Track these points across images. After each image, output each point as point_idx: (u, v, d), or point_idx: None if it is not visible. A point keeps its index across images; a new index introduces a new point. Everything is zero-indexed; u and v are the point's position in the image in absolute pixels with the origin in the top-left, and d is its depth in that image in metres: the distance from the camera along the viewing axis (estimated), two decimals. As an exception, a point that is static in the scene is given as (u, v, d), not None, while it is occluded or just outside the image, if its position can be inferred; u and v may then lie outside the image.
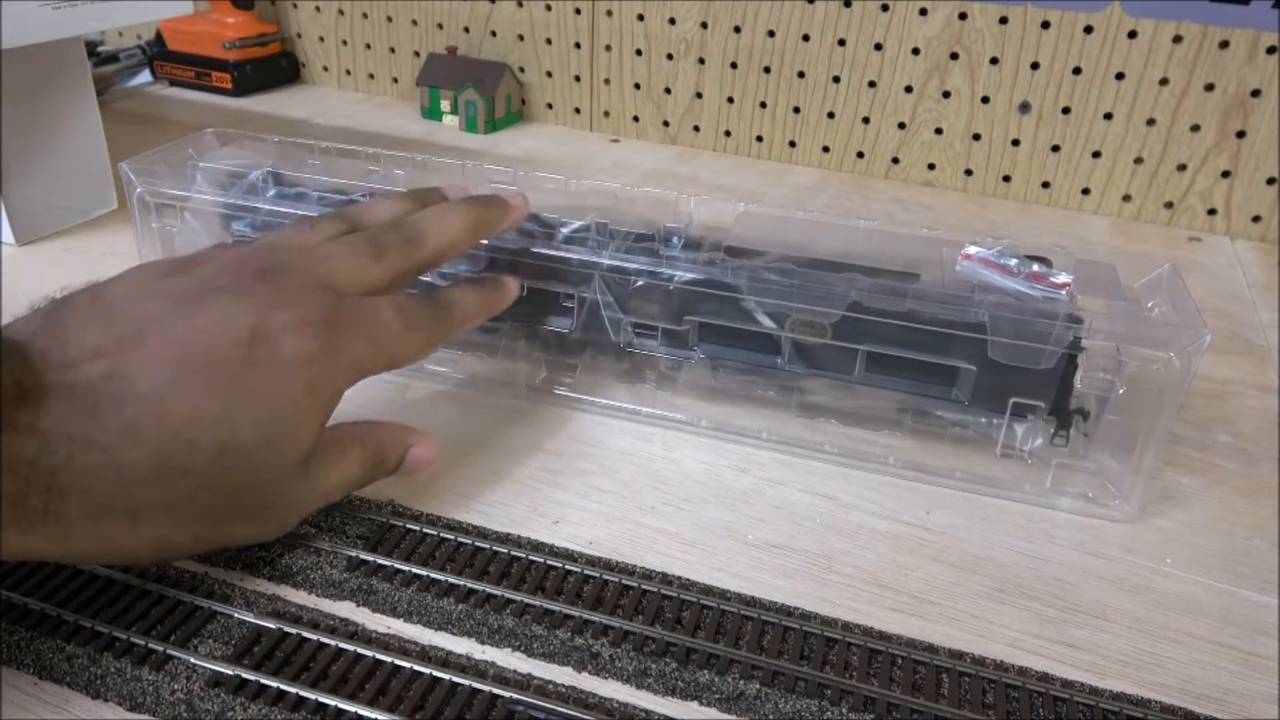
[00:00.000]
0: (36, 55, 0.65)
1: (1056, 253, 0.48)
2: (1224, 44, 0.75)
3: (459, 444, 0.49)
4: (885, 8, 0.84)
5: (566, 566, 0.41)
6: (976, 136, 0.86)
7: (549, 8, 0.97)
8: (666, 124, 0.97)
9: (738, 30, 0.90)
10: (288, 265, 0.34)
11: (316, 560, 0.41)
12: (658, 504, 0.45)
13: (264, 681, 0.35)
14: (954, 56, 0.83)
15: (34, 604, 0.37)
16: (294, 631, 0.37)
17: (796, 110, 0.91)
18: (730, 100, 0.94)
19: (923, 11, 0.82)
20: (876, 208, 0.84)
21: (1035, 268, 0.46)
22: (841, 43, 0.87)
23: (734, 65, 0.92)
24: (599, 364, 0.53)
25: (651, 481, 0.47)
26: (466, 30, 1.02)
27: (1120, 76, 0.79)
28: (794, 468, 0.49)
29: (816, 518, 0.45)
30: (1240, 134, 0.77)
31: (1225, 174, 0.79)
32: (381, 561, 0.40)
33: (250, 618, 0.37)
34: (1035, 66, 0.81)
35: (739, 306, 0.47)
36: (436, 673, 0.35)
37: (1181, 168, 0.80)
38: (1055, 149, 0.84)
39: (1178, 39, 0.76)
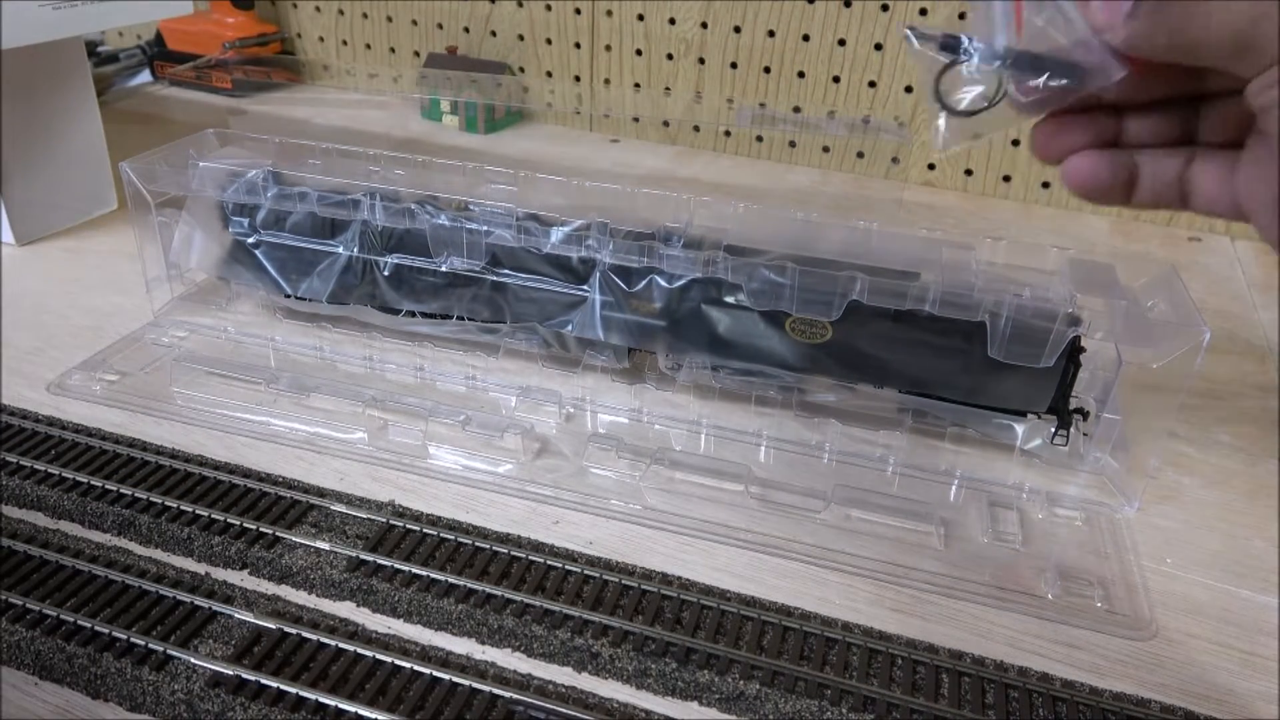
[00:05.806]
0: (36, 55, 0.65)
1: (1054, 252, 0.47)
2: (1224, 44, 0.75)
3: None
4: (885, 8, 0.84)
5: (566, 566, 0.41)
6: (976, 136, 0.86)
7: (549, 8, 0.97)
8: (666, 124, 0.97)
9: (738, 30, 0.90)
10: None
11: (316, 560, 0.41)
12: (659, 504, 0.45)
13: (264, 681, 0.35)
14: (954, 56, 0.83)
15: (34, 604, 0.37)
16: (294, 631, 0.37)
17: (797, 110, 0.91)
18: (730, 101, 0.93)
19: (923, 11, 0.82)
20: (876, 208, 0.84)
21: None
22: (841, 43, 0.87)
23: (734, 65, 0.92)
24: (598, 363, 0.53)
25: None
26: (466, 30, 1.02)
27: (1120, 76, 0.79)
28: (795, 466, 0.49)
29: (817, 516, 0.45)
30: (1240, 134, 0.77)
31: (1225, 174, 0.79)
32: (381, 561, 0.40)
33: (250, 618, 0.37)
34: (1035, 66, 0.81)
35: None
36: (436, 673, 0.35)
37: (1181, 168, 0.80)
38: (1055, 149, 0.83)
39: (1178, 39, 0.76)
